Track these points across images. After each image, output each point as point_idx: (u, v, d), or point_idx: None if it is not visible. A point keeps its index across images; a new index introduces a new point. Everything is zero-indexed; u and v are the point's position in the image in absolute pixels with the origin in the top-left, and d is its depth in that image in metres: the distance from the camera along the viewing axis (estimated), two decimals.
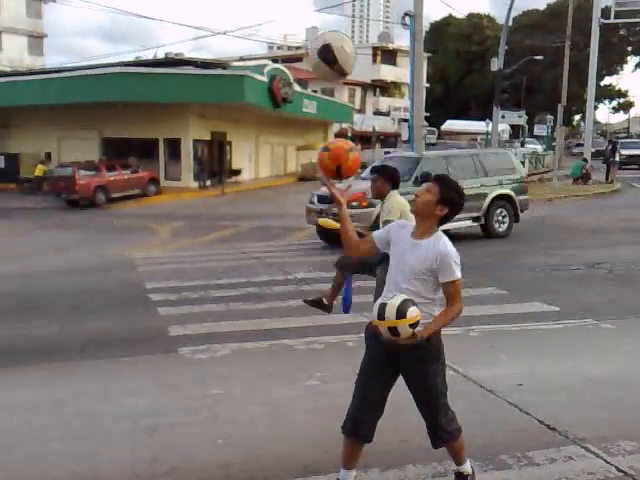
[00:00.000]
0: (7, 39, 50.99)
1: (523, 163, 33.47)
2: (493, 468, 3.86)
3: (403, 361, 3.37)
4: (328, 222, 5.28)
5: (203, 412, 4.85)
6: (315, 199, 13.50)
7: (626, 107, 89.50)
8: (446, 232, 3.50)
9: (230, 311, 8.00)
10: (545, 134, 48.55)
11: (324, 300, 6.72)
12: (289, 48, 68.58)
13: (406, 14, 19.92)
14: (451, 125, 60.01)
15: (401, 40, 62.84)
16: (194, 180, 29.05)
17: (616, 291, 9.00)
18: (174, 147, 28.99)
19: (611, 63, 70.91)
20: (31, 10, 52.50)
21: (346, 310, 6.76)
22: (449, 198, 3.35)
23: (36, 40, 53.94)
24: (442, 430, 3.41)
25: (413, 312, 3.14)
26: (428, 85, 54.32)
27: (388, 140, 53.52)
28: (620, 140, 46.74)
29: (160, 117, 27.71)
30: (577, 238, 14.11)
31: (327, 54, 4.10)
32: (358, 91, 56.23)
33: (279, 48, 70.26)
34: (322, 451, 4.07)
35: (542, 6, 76.63)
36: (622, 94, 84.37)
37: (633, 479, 3.74)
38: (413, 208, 3.46)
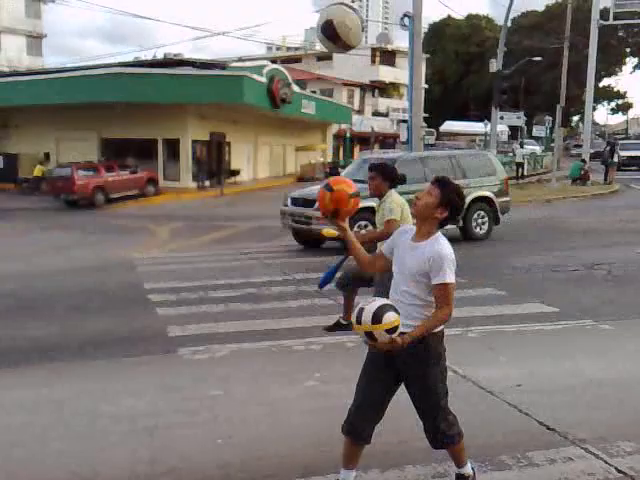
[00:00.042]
0: (6, 39, 51.01)
1: (523, 164, 33.56)
2: (493, 469, 3.86)
3: (402, 364, 3.36)
4: (330, 231, 5.28)
5: (202, 413, 4.84)
6: (289, 202, 13.46)
7: (625, 108, 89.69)
8: None
9: (229, 312, 8.00)
10: (544, 135, 48.62)
11: (341, 320, 6.82)
12: (288, 49, 68.57)
13: (405, 15, 19.93)
14: (450, 126, 60.07)
15: (400, 41, 62.97)
16: (193, 181, 29.06)
17: (615, 292, 9.00)
18: (173, 148, 28.99)
19: (610, 64, 70.99)
20: (30, 10, 52.52)
21: (321, 285, 6.71)
22: (450, 201, 3.33)
23: (35, 40, 53.97)
24: (442, 434, 3.40)
25: (390, 318, 3.11)
26: (427, 86, 54.33)
27: (387, 141, 53.59)
28: (619, 141, 46.79)
29: (159, 118, 27.71)
30: (576, 239, 14.11)
31: (329, 31, 4.08)
32: (357, 92, 56.24)
33: (278, 49, 70.22)
34: (322, 451, 4.07)
35: (541, 7, 76.83)
36: (621, 95, 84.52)
37: None
38: (413, 210, 3.44)
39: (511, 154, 39.91)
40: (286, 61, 54.17)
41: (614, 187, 27.62)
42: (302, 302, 8.41)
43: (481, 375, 5.43)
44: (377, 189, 6.07)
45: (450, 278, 3.24)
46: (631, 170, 37.07)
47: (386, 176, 6.03)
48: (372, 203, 12.02)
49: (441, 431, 3.39)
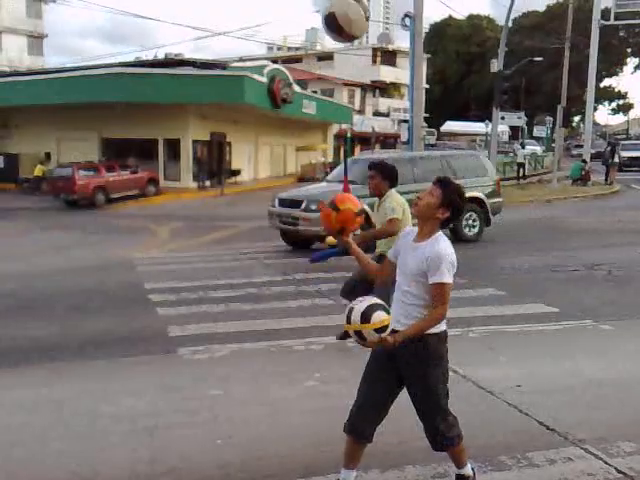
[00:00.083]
0: (7, 39, 51.07)
1: (524, 164, 33.56)
2: (492, 469, 3.86)
3: (404, 364, 3.37)
4: (333, 240, 5.30)
5: (202, 412, 4.85)
6: (276, 202, 13.39)
7: (625, 109, 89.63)
8: None
9: (229, 312, 8.00)
10: (544, 135, 48.65)
11: None
12: (289, 49, 68.55)
13: (406, 15, 19.94)
14: (450, 126, 60.05)
15: (401, 41, 62.94)
16: (193, 181, 29.05)
17: (615, 292, 9.00)
18: (173, 148, 28.99)
19: (611, 64, 70.98)
20: (31, 10, 52.57)
21: (313, 257, 6.70)
22: (451, 201, 3.33)
23: (36, 40, 54.00)
24: (442, 436, 3.39)
25: (378, 317, 3.11)
26: (428, 86, 54.32)
27: (387, 141, 53.58)
28: (621, 142, 46.78)
29: (159, 118, 27.71)
30: (576, 239, 14.11)
31: (332, 23, 4.09)
32: (358, 92, 56.21)
33: (279, 49, 70.20)
34: (322, 451, 4.07)
35: (542, 7, 76.79)
36: (621, 96, 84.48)
37: None
38: (414, 210, 3.44)
39: (512, 154, 39.91)
40: (287, 61, 54.12)
41: (615, 188, 27.62)
42: (302, 302, 8.41)
43: (481, 375, 5.43)
44: (376, 188, 6.02)
45: (447, 278, 3.24)
46: (632, 171, 37.01)
47: (385, 175, 5.98)
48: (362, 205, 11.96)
49: (440, 432, 3.39)
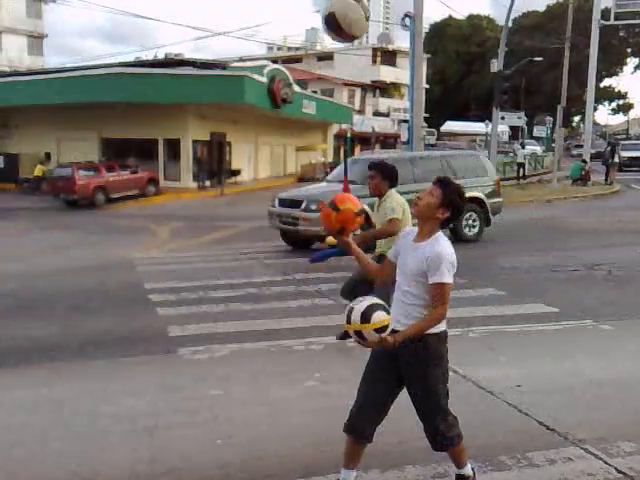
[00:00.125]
0: (7, 39, 51.06)
1: (524, 164, 33.57)
2: (492, 469, 3.86)
3: (403, 364, 3.37)
4: (333, 240, 5.32)
5: (202, 412, 4.85)
6: (276, 202, 13.38)
7: (625, 109, 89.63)
8: None
9: (229, 312, 8.00)
10: (544, 135, 48.66)
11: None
12: (289, 49, 68.55)
13: (406, 15, 19.94)
14: (450, 126, 60.06)
15: (401, 41, 62.94)
16: (193, 181, 29.05)
17: (615, 292, 9.00)
18: (173, 148, 29.00)
19: (611, 64, 70.98)
20: (31, 10, 52.56)
21: (313, 257, 6.75)
22: (451, 201, 3.33)
23: (36, 40, 54.00)
24: (442, 436, 3.39)
25: (378, 317, 3.11)
26: (428, 86, 54.32)
27: (388, 141, 53.58)
28: (621, 142, 46.73)
29: (159, 118, 27.71)
30: (576, 239, 14.11)
31: (332, 23, 4.10)
32: (358, 92, 56.21)
33: (279, 49, 70.20)
34: (322, 452, 4.07)
35: (542, 7, 76.79)
36: (621, 96, 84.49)
37: None
38: (414, 210, 3.44)
39: (512, 154, 39.88)
40: (287, 61, 54.11)
41: (615, 188, 27.62)
42: (302, 302, 8.41)
43: (481, 375, 5.43)
44: (376, 188, 6.02)
45: (447, 278, 3.23)
46: (632, 171, 36.95)
47: (385, 175, 5.99)
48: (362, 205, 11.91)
49: (440, 432, 3.39)
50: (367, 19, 4.16)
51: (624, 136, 78.43)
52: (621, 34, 69.91)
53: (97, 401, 5.10)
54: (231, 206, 23.45)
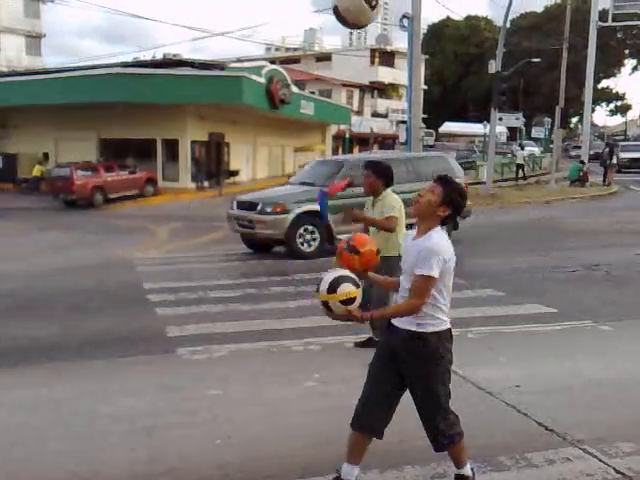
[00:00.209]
0: (5, 39, 50.97)
1: (523, 166, 33.62)
2: (492, 469, 3.86)
3: (404, 364, 3.38)
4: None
5: (201, 413, 4.84)
6: (235, 205, 13.21)
7: (623, 110, 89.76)
8: None
9: (228, 312, 8.00)
10: (542, 136, 48.75)
11: (374, 337, 6.40)
12: (287, 49, 68.57)
13: (404, 16, 19.96)
14: (449, 127, 60.20)
15: (399, 42, 62.97)
16: (192, 181, 29.01)
17: (614, 293, 9.01)
18: (172, 148, 28.95)
19: (609, 66, 71.10)
20: (29, 10, 52.47)
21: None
22: (452, 199, 3.35)
23: (34, 40, 53.92)
24: (442, 435, 3.40)
25: (345, 289, 3.13)
26: (426, 87, 54.26)
27: (386, 142, 53.63)
28: (621, 143, 46.70)
29: (158, 118, 27.68)
30: (574, 240, 14.12)
31: (337, 15, 4.48)
32: (356, 93, 56.23)
33: (277, 49, 70.19)
34: (321, 452, 4.07)
35: (540, 8, 76.95)
36: (619, 97, 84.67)
37: None
38: (414, 208, 3.44)
39: (510, 155, 39.94)
40: (285, 62, 54.13)
41: (613, 189, 27.65)
42: (301, 302, 8.41)
43: (480, 376, 5.44)
44: (371, 187, 6.12)
45: (433, 272, 3.22)
46: (631, 172, 36.80)
47: (379, 174, 6.08)
48: (316, 207, 11.93)
49: (440, 431, 3.40)
50: (373, 7, 4.36)
51: (622, 137, 78.51)
52: (619, 35, 70.01)
53: (96, 401, 5.10)
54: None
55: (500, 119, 35.02)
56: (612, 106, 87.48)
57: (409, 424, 3.83)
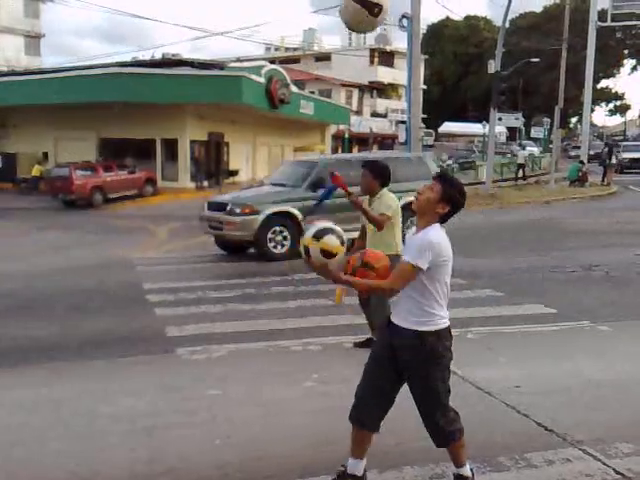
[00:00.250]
0: (4, 39, 50.93)
1: (524, 165, 33.62)
2: (491, 470, 3.87)
3: (402, 362, 3.39)
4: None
5: (201, 413, 4.85)
6: (206, 207, 13.04)
7: (623, 110, 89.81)
8: None
9: (227, 312, 8.00)
10: (542, 136, 48.76)
11: (374, 338, 6.55)
12: (286, 49, 68.51)
13: (404, 16, 19.96)
14: (448, 127, 60.25)
15: (398, 42, 62.89)
16: (191, 181, 29.02)
17: (613, 293, 9.01)
18: (171, 148, 28.96)
19: (608, 66, 71.15)
20: (29, 10, 52.48)
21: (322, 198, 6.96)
22: (451, 196, 3.36)
23: (33, 40, 53.93)
24: (442, 431, 3.42)
25: (329, 240, 3.13)
26: (425, 87, 54.28)
27: (385, 142, 53.63)
28: (622, 143, 46.64)
29: (157, 118, 27.69)
30: (574, 240, 14.12)
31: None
32: (355, 93, 56.24)
33: (276, 49, 70.14)
34: (320, 452, 4.07)
35: (539, 8, 76.95)
36: (619, 97, 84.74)
37: None
38: (413, 205, 3.45)
39: (509, 155, 39.96)
40: (284, 61, 54.12)
41: (612, 189, 27.65)
42: (301, 302, 8.42)
43: (480, 376, 5.44)
44: (368, 186, 6.10)
45: (419, 262, 3.22)
46: (632, 172, 36.72)
47: (376, 174, 6.06)
48: (289, 208, 11.89)
49: (440, 428, 3.41)
50: (377, 15, 4.43)
51: (621, 137, 78.54)
52: (618, 35, 69.82)
53: (96, 401, 5.10)
54: None
55: (499, 119, 35.04)
56: (611, 106, 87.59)
57: (408, 425, 3.84)
